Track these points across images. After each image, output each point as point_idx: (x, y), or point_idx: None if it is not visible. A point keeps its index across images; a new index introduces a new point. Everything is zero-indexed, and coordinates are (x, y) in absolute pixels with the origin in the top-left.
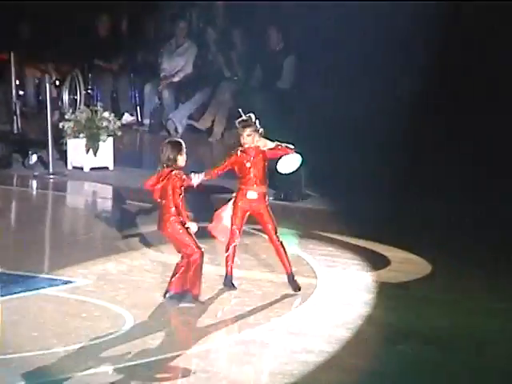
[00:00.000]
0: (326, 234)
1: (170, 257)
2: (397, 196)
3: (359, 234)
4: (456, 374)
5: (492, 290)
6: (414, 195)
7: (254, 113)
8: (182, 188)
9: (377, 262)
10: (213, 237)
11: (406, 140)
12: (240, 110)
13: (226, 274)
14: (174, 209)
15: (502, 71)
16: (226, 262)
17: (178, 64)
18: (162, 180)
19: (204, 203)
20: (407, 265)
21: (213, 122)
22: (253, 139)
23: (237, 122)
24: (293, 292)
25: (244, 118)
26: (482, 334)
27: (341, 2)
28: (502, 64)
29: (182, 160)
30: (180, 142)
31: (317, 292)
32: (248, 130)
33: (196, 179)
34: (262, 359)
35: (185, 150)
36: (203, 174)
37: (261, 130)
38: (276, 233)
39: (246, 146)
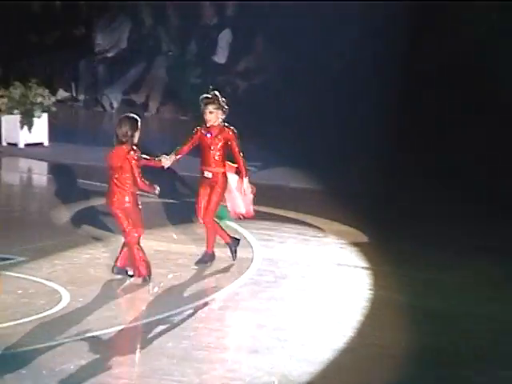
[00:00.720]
0: (263, 209)
1: (105, 232)
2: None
3: (298, 209)
4: None
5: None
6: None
7: (189, 87)
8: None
9: (314, 235)
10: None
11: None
12: (210, 86)
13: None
14: (128, 186)
15: None
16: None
17: (112, 39)
18: (118, 157)
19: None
20: (343, 236)
21: (147, 96)
22: (216, 117)
23: (200, 98)
24: (230, 267)
25: (207, 94)
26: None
27: None
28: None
29: (137, 137)
30: (137, 119)
31: (253, 266)
32: (210, 107)
33: (167, 161)
34: (199, 334)
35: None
36: (173, 154)
37: (225, 107)
38: (207, 216)
39: (209, 124)
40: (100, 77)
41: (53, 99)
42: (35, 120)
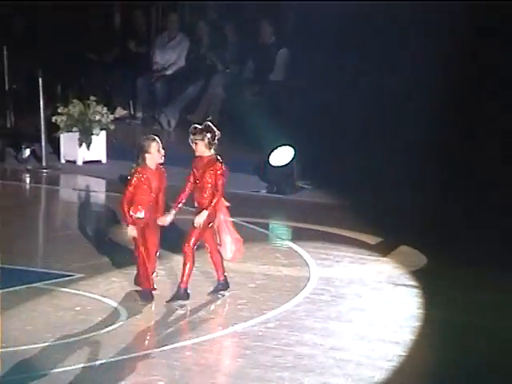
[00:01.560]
0: (319, 228)
1: (161, 250)
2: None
3: (353, 227)
4: None
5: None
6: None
7: (244, 105)
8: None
9: (370, 253)
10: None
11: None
12: (210, 118)
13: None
14: None
15: None
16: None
17: (170, 57)
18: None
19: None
20: (400, 256)
21: (205, 115)
22: (197, 148)
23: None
24: (286, 285)
25: (196, 125)
26: None
27: None
28: None
29: (149, 158)
30: (146, 140)
31: (309, 285)
32: (193, 137)
33: (167, 219)
34: (255, 352)
35: (155, 147)
36: (172, 211)
37: (210, 140)
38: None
39: (196, 154)
40: (158, 95)
41: (111, 117)
42: (93, 138)
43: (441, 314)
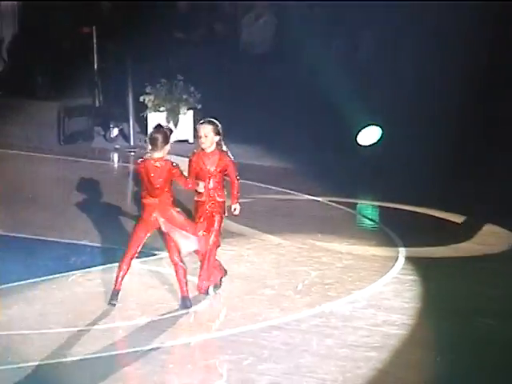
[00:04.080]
0: (409, 208)
1: (249, 229)
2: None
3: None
4: None
5: None
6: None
7: None
8: None
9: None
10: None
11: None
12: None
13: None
14: None
15: None
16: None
17: (257, 36)
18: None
19: None
20: (484, 237)
21: None
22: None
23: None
24: (373, 265)
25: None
26: None
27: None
28: None
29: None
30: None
31: (397, 265)
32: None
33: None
34: (342, 332)
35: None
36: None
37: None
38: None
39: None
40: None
41: (198, 96)
42: (181, 117)
43: None
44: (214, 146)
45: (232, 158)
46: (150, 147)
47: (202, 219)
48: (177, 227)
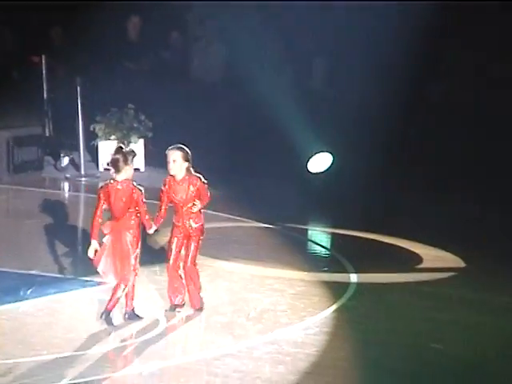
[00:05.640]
0: (356, 234)
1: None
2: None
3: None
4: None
5: None
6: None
7: None
8: None
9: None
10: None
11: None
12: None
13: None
14: None
15: None
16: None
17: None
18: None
19: None
20: (439, 261)
21: None
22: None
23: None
24: (326, 292)
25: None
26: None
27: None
28: None
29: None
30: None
31: (349, 291)
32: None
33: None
34: (295, 359)
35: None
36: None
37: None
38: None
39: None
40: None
41: (149, 124)
42: (131, 145)
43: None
44: (184, 172)
45: (205, 181)
46: (112, 170)
47: (174, 244)
48: (116, 256)
